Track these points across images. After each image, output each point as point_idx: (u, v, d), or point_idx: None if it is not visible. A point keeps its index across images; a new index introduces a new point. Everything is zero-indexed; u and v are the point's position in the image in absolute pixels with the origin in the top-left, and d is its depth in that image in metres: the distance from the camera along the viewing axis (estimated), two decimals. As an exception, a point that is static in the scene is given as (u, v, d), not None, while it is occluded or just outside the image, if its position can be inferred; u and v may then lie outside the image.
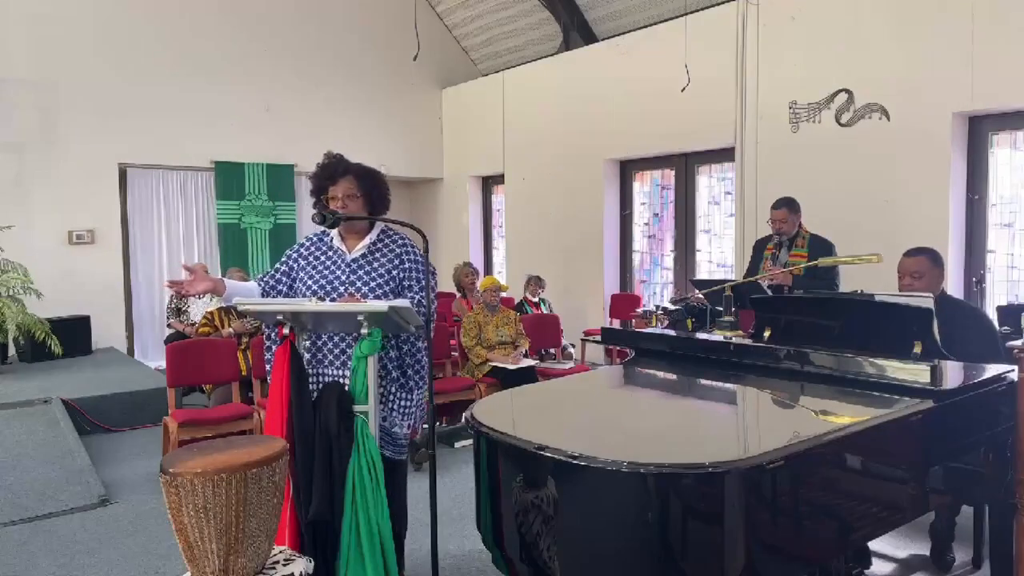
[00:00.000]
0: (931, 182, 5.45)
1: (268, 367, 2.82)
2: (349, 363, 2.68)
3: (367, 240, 2.82)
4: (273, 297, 2.85)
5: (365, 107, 9.77)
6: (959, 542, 3.30)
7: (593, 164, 8.30)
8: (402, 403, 2.80)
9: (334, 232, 2.85)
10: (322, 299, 2.73)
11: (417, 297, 2.75)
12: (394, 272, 2.78)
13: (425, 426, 2.89)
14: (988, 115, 5.37)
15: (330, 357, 2.76)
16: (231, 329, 5.47)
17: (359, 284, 2.74)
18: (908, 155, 5.58)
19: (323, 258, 2.84)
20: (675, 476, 1.88)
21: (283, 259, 2.94)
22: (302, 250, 2.91)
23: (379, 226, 2.88)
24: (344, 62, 9.60)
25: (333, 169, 2.80)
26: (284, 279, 2.88)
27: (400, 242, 2.85)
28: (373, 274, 2.76)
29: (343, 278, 2.76)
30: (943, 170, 5.42)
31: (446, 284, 8.08)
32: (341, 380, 2.70)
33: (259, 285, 2.87)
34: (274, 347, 2.77)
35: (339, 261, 2.80)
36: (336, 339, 2.75)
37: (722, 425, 2.58)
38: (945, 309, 3.15)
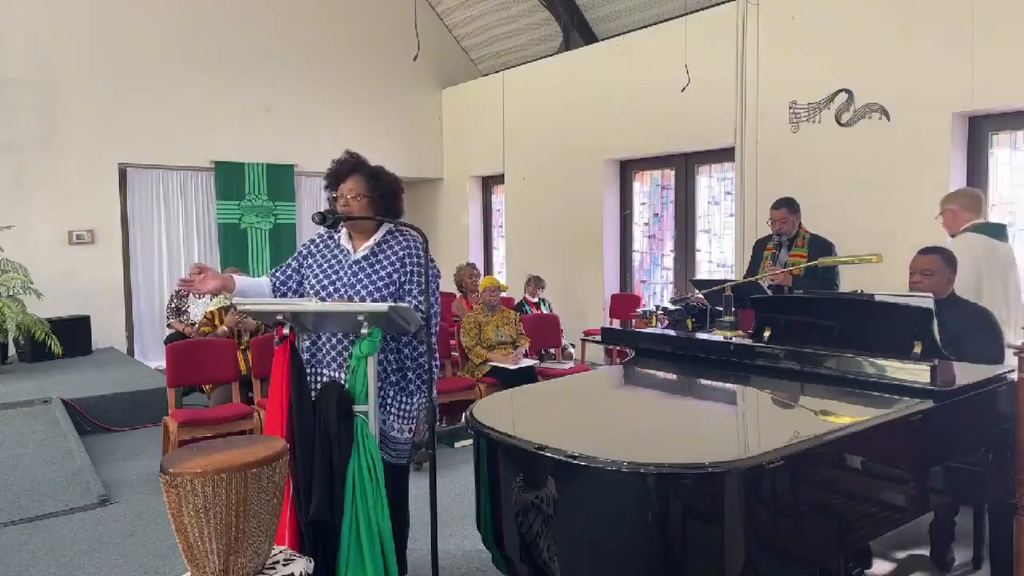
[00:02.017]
0: (931, 182, 5.44)
1: None
2: (346, 364, 2.68)
3: (371, 241, 2.79)
4: (283, 294, 2.85)
5: (365, 107, 9.77)
6: (959, 542, 3.30)
7: (593, 164, 8.30)
8: (401, 407, 2.77)
9: (343, 230, 2.84)
10: (323, 299, 2.72)
11: (415, 302, 2.72)
12: (395, 275, 2.75)
13: (426, 426, 2.89)
14: (988, 115, 5.37)
15: (327, 359, 2.75)
16: (225, 328, 5.46)
17: (359, 287, 2.72)
18: (908, 155, 5.58)
19: (330, 257, 2.83)
20: (675, 476, 1.88)
21: (295, 255, 2.93)
22: (312, 247, 2.90)
23: (386, 226, 2.84)
24: (344, 62, 9.60)
25: (342, 165, 2.82)
26: (294, 275, 2.88)
27: (404, 243, 2.80)
28: (374, 276, 2.74)
29: (345, 279, 2.75)
30: (943, 170, 5.41)
31: (447, 285, 8.08)
32: (340, 380, 2.69)
33: (271, 281, 2.87)
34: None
35: (344, 261, 2.79)
36: (334, 340, 2.74)
37: (722, 425, 2.58)
38: (953, 310, 3.15)
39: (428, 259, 2.72)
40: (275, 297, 2.85)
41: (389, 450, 2.76)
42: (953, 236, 3.97)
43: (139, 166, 8.49)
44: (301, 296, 2.82)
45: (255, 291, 2.84)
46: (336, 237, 2.86)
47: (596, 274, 8.37)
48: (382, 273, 2.74)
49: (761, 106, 6.52)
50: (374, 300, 2.69)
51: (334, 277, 2.77)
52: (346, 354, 2.69)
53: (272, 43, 9.08)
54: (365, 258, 2.77)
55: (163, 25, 8.40)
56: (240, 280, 2.81)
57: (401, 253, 2.78)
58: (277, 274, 2.89)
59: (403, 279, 2.76)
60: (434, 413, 2.73)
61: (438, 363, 2.86)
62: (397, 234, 2.83)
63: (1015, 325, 3.53)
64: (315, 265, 2.83)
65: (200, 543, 2.08)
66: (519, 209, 9.39)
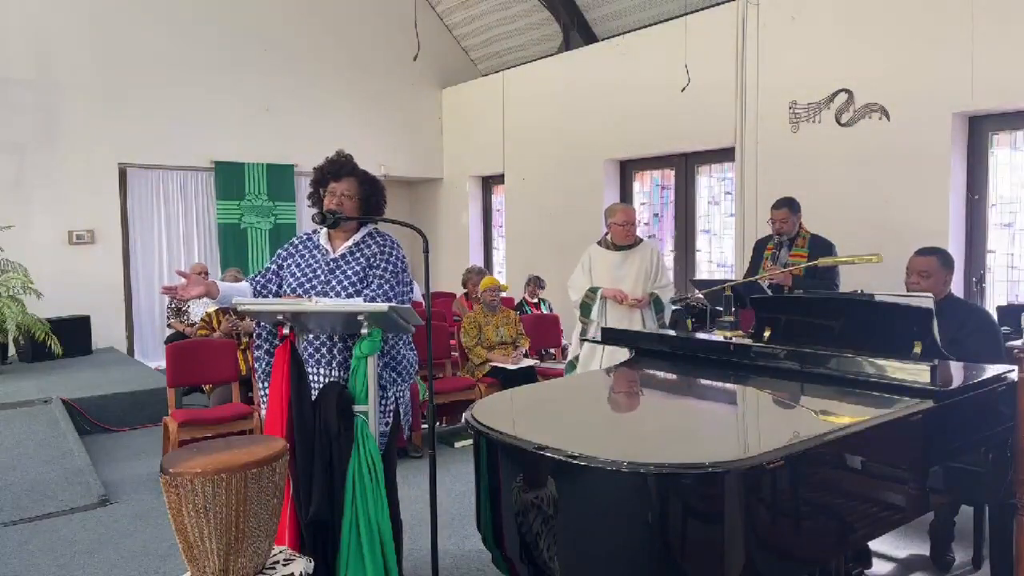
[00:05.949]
0: (931, 182, 5.45)
1: (257, 365, 2.86)
2: (323, 360, 2.73)
3: (350, 241, 2.85)
4: (264, 297, 2.87)
5: (365, 107, 9.77)
6: (959, 542, 3.30)
7: (593, 164, 8.29)
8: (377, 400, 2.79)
9: (323, 231, 2.88)
10: (300, 296, 2.75)
11: (371, 295, 2.74)
12: (362, 273, 2.79)
13: (425, 426, 2.91)
14: (988, 115, 5.37)
15: (304, 356, 2.76)
16: (219, 332, 5.46)
17: (334, 282, 2.77)
18: (908, 155, 5.58)
19: (308, 256, 2.88)
20: (675, 476, 1.88)
21: (273, 258, 2.98)
22: (291, 248, 2.96)
23: (366, 228, 2.91)
24: (344, 62, 9.60)
25: (340, 166, 2.86)
26: (274, 278, 2.91)
27: (381, 242, 2.86)
28: (348, 271, 2.79)
29: (322, 277, 2.80)
30: (943, 170, 5.41)
31: (447, 284, 8.09)
32: (329, 380, 2.71)
33: (251, 285, 2.90)
34: (265, 346, 2.82)
35: (321, 260, 2.84)
36: (311, 337, 2.77)
37: (722, 425, 2.58)
38: (951, 311, 3.15)
39: (401, 259, 2.80)
40: None
41: None
42: (635, 244, 5.05)
43: (139, 166, 8.49)
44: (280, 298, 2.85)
45: (237, 297, 2.86)
46: (315, 238, 2.92)
47: (596, 274, 8.35)
48: (355, 269, 2.79)
49: (761, 106, 6.52)
50: (347, 296, 2.74)
51: (311, 275, 2.81)
52: (324, 351, 2.74)
53: (272, 43, 9.08)
54: (343, 256, 2.83)
55: (163, 25, 8.40)
56: (223, 286, 2.86)
57: (376, 250, 2.83)
58: (257, 278, 2.92)
59: (371, 277, 2.79)
60: (433, 412, 2.74)
61: (416, 358, 2.90)
62: (377, 236, 2.90)
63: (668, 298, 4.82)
64: (294, 265, 2.88)
65: (200, 543, 2.08)
66: (519, 209, 9.39)
